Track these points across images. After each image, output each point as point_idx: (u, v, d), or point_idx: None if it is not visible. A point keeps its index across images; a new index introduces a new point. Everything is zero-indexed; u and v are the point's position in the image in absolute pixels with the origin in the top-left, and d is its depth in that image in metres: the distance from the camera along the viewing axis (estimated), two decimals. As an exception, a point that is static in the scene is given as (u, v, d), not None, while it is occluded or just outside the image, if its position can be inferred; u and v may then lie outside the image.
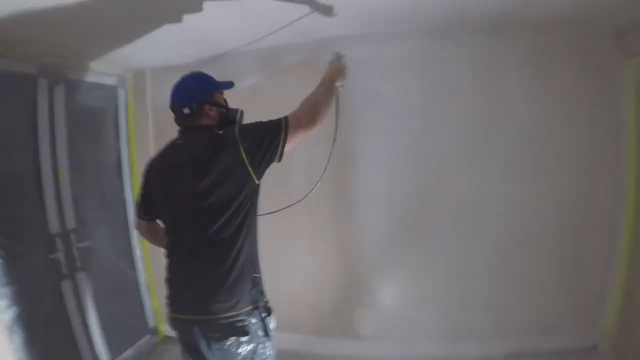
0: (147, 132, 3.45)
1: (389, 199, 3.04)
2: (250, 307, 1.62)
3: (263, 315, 1.66)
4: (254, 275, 1.69)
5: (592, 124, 2.79)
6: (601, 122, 2.78)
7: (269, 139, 1.61)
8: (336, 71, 2.00)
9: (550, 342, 2.91)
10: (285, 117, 1.66)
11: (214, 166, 1.58)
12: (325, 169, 2.15)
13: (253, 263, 1.70)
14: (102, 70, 3.12)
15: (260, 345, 1.63)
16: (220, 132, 1.66)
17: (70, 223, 2.82)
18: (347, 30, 2.75)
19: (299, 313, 3.25)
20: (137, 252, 3.44)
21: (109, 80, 3.22)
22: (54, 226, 2.71)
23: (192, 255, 1.65)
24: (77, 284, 2.81)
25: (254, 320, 1.62)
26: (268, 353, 1.68)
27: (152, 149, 3.42)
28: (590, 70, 2.76)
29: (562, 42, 2.75)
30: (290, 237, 3.22)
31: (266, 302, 1.72)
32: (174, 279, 1.73)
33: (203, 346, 1.61)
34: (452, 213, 2.96)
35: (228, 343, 1.57)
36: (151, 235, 1.95)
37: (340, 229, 3.15)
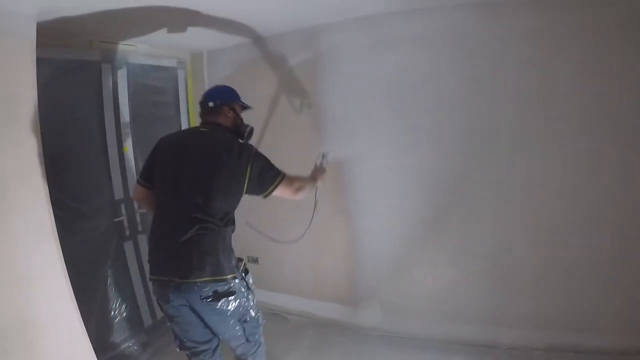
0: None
1: (430, 177, 2.98)
2: (234, 274, 1.93)
3: (243, 275, 2.01)
4: (239, 257, 2.04)
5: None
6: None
7: (268, 178, 2.02)
8: (319, 173, 2.48)
9: (595, 340, 2.70)
10: (284, 174, 2.07)
11: (225, 160, 1.93)
12: (311, 219, 2.65)
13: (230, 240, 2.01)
14: (162, 54, 3.42)
15: (243, 299, 1.97)
16: (242, 141, 2.06)
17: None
18: (388, 7, 2.78)
19: (340, 285, 3.41)
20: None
21: (169, 63, 3.51)
22: (118, 193, 3.08)
23: (180, 225, 1.88)
24: (137, 245, 3.20)
25: (237, 281, 1.94)
26: (251, 304, 2.03)
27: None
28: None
29: (624, 16, 2.42)
30: (333, 213, 3.32)
31: (243, 264, 2.06)
32: (159, 244, 1.97)
33: (198, 305, 1.89)
34: (496, 194, 2.83)
35: (219, 304, 1.88)
36: (146, 202, 2.18)
37: (380, 206, 3.18)
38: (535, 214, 2.77)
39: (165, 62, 3.48)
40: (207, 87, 3.60)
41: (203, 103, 2.21)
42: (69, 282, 2.17)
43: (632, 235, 2.59)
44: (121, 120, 3.08)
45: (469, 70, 2.78)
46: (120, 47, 3.02)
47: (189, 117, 3.73)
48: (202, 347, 2.09)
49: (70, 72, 2.73)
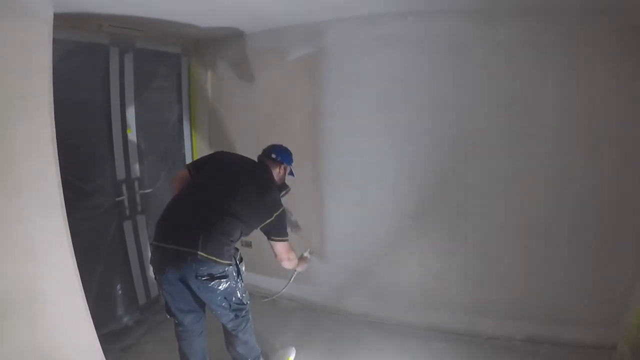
0: (206, 96, 3.81)
1: (420, 172, 3.12)
2: (230, 262, 2.23)
3: (237, 262, 2.31)
4: (236, 247, 2.34)
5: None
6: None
7: (278, 232, 2.46)
8: (302, 262, 2.96)
9: (570, 333, 2.88)
10: (288, 241, 2.52)
11: (260, 198, 2.38)
12: (284, 288, 3.13)
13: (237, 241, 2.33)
14: (167, 40, 3.48)
15: (233, 282, 2.25)
16: (280, 195, 2.55)
17: (135, 172, 3.26)
18: (389, 7, 2.87)
19: (329, 270, 3.55)
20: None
21: (173, 49, 3.58)
22: (120, 174, 3.15)
23: (204, 206, 2.25)
24: (136, 225, 3.29)
25: (231, 267, 2.24)
26: (239, 287, 2.32)
27: (209, 111, 3.84)
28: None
29: (607, 27, 2.57)
30: (328, 204, 3.48)
31: (239, 253, 2.37)
32: (176, 212, 2.30)
33: (192, 281, 2.17)
34: (484, 191, 2.97)
35: (212, 283, 2.17)
36: (180, 183, 2.54)
37: (373, 196, 3.31)
38: (518, 212, 2.93)
39: (170, 49, 3.55)
40: (209, 77, 3.75)
41: (268, 151, 2.66)
42: (74, 257, 2.23)
43: (611, 234, 2.76)
44: (126, 103, 3.14)
45: (464, 73, 2.89)
46: (127, 32, 3.07)
47: (190, 104, 3.82)
48: (187, 318, 2.37)
49: (78, 53, 2.77)
